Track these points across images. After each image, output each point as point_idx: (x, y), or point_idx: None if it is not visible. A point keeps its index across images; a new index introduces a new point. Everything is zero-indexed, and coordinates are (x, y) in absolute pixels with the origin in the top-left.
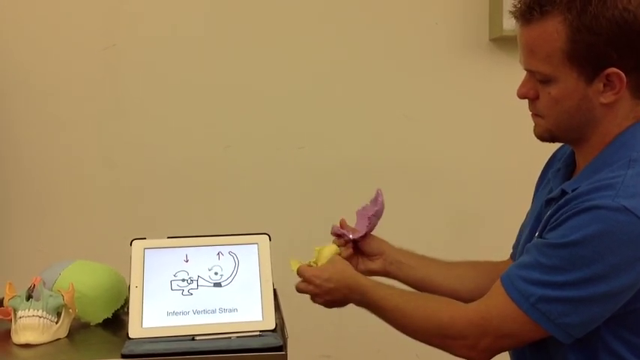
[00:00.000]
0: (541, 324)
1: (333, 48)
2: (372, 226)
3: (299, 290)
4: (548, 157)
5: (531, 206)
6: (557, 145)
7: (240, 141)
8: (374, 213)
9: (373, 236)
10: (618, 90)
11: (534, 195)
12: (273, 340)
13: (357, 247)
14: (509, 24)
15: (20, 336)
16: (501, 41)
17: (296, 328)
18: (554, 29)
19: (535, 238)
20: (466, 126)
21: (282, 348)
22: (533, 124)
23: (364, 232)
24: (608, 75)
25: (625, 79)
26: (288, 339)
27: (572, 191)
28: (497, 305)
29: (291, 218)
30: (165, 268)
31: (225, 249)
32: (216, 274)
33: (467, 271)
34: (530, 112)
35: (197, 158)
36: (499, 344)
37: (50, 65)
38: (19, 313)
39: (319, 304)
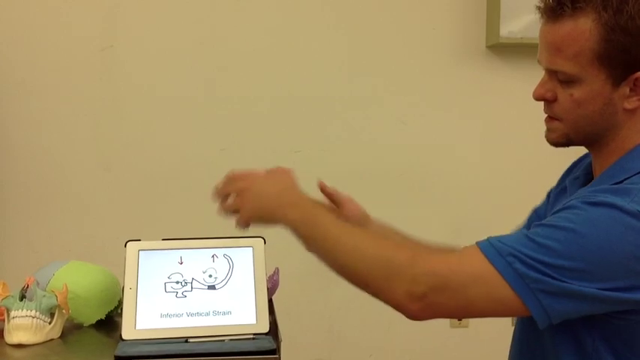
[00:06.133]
0: (511, 284)
1: (330, 53)
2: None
3: (218, 192)
4: (543, 162)
5: (541, 203)
6: (552, 150)
7: (236, 144)
8: (268, 290)
9: None
10: None
11: (548, 196)
12: (267, 344)
13: None
14: (506, 31)
15: (13, 336)
16: (498, 48)
17: (289, 332)
18: (586, 27)
19: None
20: (462, 132)
21: (275, 351)
22: (546, 129)
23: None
24: (636, 79)
25: None
26: (281, 342)
27: None
28: (471, 262)
29: None
30: (160, 270)
31: (219, 252)
32: (210, 276)
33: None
34: (545, 115)
35: (192, 160)
36: (447, 306)
37: (47, 66)
38: (12, 313)
39: (239, 218)
